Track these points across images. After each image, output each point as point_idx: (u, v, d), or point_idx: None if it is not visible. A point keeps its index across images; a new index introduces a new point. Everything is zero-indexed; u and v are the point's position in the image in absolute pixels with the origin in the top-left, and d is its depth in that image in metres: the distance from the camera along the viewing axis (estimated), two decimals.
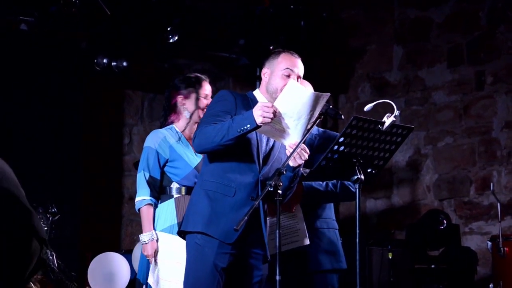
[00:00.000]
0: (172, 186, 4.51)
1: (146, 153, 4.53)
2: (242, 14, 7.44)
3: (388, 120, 3.75)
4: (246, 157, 3.84)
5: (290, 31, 7.52)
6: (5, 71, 6.50)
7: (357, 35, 8.31)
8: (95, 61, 6.76)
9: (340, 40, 8.39)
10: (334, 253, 4.25)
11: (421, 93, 7.84)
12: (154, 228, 4.47)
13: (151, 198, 4.48)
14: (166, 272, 4.40)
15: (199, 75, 4.70)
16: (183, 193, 4.48)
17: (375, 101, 3.93)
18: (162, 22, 6.81)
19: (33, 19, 6.30)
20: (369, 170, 3.87)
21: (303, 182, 4.13)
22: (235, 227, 3.59)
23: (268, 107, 3.65)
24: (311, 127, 3.77)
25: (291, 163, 3.78)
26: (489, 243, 6.04)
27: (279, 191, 3.65)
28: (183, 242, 3.94)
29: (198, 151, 3.98)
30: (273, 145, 3.93)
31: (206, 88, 4.63)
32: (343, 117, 4.13)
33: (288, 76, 3.89)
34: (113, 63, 6.78)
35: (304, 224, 4.16)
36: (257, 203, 3.64)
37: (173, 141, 4.53)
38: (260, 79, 4.09)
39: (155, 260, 4.44)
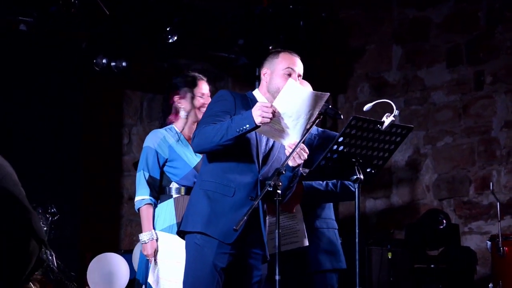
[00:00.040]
0: (171, 186, 4.51)
1: (145, 153, 4.54)
2: (242, 14, 7.44)
3: (387, 120, 3.75)
4: (245, 157, 3.85)
5: (289, 31, 7.53)
6: (5, 71, 6.50)
7: (356, 35, 8.32)
8: (95, 61, 6.76)
9: (339, 40, 8.39)
10: (334, 253, 4.26)
11: (420, 93, 7.84)
12: (153, 228, 4.47)
13: (151, 197, 4.49)
14: (166, 271, 4.41)
15: (195, 74, 4.69)
16: (183, 193, 4.48)
17: (374, 101, 3.93)
18: (162, 22, 6.81)
19: (33, 19, 6.30)
20: (368, 170, 3.88)
21: (303, 182, 4.13)
22: (234, 227, 3.59)
23: (267, 107, 3.65)
24: (311, 127, 3.77)
25: (291, 163, 3.78)
26: (489, 242, 6.04)
27: (279, 191, 3.65)
28: (183, 242, 3.94)
29: (197, 151, 3.99)
30: (272, 145, 3.93)
31: (203, 87, 4.62)
32: (342, 117, 4.14)
33: (289, 75, 3.89)
34: (113, 63, 6.78)
35: (304, 225, 4.16)
36: (256, 203, 3.64)
37: (173, 141, 4.53)
38: (259, 79, 4.09)
39: (155, 260, 4.44)
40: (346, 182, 4.21)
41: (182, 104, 4.60)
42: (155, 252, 4.44)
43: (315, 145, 4.21)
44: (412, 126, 3.98)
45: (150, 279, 4.45)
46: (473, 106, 7.49)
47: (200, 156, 4.37)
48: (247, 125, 3.65)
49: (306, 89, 3.79)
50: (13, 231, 2.98)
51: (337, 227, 4.36)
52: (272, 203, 3.75)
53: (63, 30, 6.45)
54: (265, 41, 7.35)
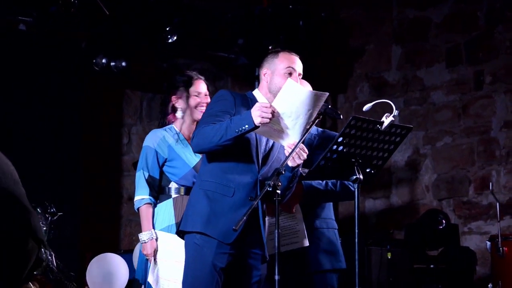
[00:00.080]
0: (170, 186, 4.51)
1: (145, 152, 4.54)
2: (242, 14, 7.44)
3: (387, 120, 3.75)
4: (245, 157, 3.85)
5: (289, 31, 7.53)
6: (5, 71, 6.50)
7: (356, 35, 8.32)
8: (94, 61, 6.76)
9: (339, 40, 8.39)
10: (334, 253, 4.25)
11: (419, 93, 7.84)
12: (153, 227, 4.47)
13: (150, 197, 4.49)
14: (165, 271, 4.41)
15: (191, 73, 4.68)
16: (182, 193, 4.48)
17: (373, 101, 3.94)
18: (162, 22, 6.81)
19: (32, 19, 6.30)
20: (368, 170, 3.88)
21: (302, 182, 4.13)
22: (234, 227, 3.59)
23: (266, 107, 3.65)
24: (310, 127, 3.77)
25: (290, 163, 3.78)
26: (488, 243, 6.04)
27: (278, 191, 3.65)
28: (182, 241, 3.94)
29: (196, 151, 3.99)
30: (272, 145, 3.93)
31: (199, 86, 4.61)
32: (341, 117, 4.14)
33: (290, 74, 3.90)
34: (112, 63, 6.78)
35: (304, 225, 4.16)
36: (255, 203, 3.64)
37: (172, 140, 4.53)
38: (258, 79, 4.09)
39: (155, 259, 4.45)
40: (345, 181, 4.21)
41: (179, 104, 4.60)
42: (155, 251, 4.44)
43: (315, 145, 4.21)
44: (411, 126, 3.98)
45: (150, 279, 4.45)
46: (473, 106, 7.50)
47: (199, 156, 4.37)
48: (246, 126, 3.65)
49: (305, 89, 3.79)
50: (13, 231, 2.97)
51: (337, 227, 4.36)
52: (271, 203, 3.75)
53: (63, 30, 6.45)
54: (265, 41, 7.35)
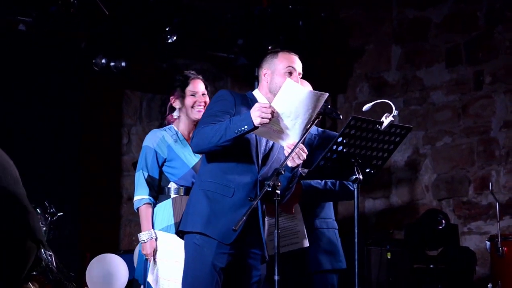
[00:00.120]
0: (170, 186, 4.51)
1: (144, 152, 4.54)
2: (241, 14, 7.44)
3: (386, 120, 3.76)
4: (245, 158, 3.85)
5: (289, 31, 7.52)
6: (5, 71, 6.50)
7: (356, 35, 8.32)
8: (94, 61, 6.76)
9: (339, 40, 8.39)
10: (334, 253, 4.25)
11: (419, 93, 7.84)
12: (152, 227, 4.48)
13: (150, 197, 4.49)
14: (165, 271, 4.41)
15: (188, 73, 4.66)
16: (181, 194, 4.48)
17: (373, 101, 3.94)
18: (162, 22, 6.81)
19: (32, 19, 6.30)
20: (367, 170, 3.88)
21: (301, 181, 4.13)
22: (233, 227, 3.59)
23: (265, 107, 3.65)
24: (310, 127, 3.77)
25: (290, 163, 3.78)
26: (488, 243, 6.04)
27: (278, 191, 3.65)
28: (181, 241, 3.95)
29: (195, 151, 3.99)
30: (272, 146, 3.93)
31: (195, 86, 4.59)
32: (341, 117, 4.14)
33: (290, 74, 3.90)
34: (112, 63, 6.78)
35: (304, 226, 4.16)
36: (255, 203, 3.65)
37: (171, 141, 4.53)
38: (258, 79, 4.09)
39: (154, 259, 4.45)
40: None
41: (176, 104, 4.61)
42: (154, 251, 4.44)
43: (315, 145, 4.21)
44: (411, 126, 3.98)
45: (150, 279, 4.45)
46: (472, 106, 7.50)
47: (199, 156, 4.37)
48: (246, 126, 3.65)
49: (304, 89, 3.78)
50: (12, 231, 2.97)
51: (337, 227, 4.36)
52: (271, 203, 3.75)
53: (63, 30, 6.45)
54: (265, 42, 7.35)
